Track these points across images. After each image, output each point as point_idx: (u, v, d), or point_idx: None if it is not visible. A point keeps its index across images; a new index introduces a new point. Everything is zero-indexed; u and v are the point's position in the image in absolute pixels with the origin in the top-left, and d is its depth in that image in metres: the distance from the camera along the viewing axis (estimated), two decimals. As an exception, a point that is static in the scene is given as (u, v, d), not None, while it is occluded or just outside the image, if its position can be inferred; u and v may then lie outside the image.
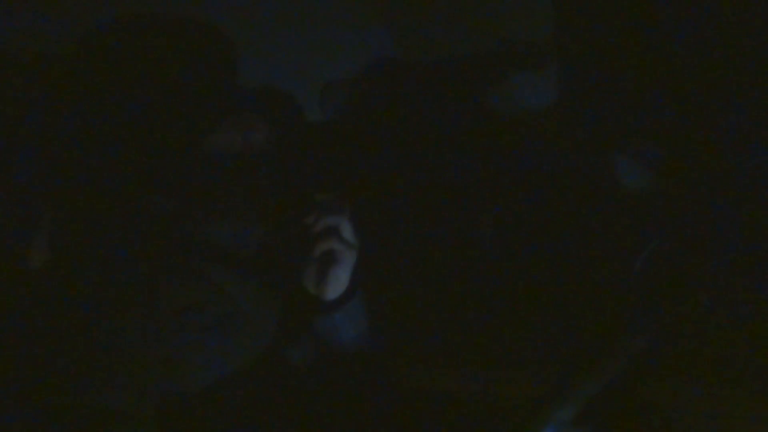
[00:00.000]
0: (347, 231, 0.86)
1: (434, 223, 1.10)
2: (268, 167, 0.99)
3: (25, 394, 0.78)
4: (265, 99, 1.11)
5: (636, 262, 0.95)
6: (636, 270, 0.94)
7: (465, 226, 1.09)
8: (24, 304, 0.84)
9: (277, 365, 0.91)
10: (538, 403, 0.79)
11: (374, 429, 0.88)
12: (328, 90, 1.17)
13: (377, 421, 0.88)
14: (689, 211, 0.97)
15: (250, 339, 0.89)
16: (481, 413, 0.86)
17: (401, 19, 1.07)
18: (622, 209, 1.03)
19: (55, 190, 0.98)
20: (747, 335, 0.87)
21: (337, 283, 0.87)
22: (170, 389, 0.83)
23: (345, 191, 0.90)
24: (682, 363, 0.83)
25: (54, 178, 1.00)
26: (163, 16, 1.04)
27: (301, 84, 1.15)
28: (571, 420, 0.77)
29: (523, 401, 0.82)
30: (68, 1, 0.99)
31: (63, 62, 1.05)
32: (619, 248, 0.99)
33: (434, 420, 0.87)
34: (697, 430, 0.79)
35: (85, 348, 0.80)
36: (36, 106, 1.06)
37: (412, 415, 0.87)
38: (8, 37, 1.04)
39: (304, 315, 0.89)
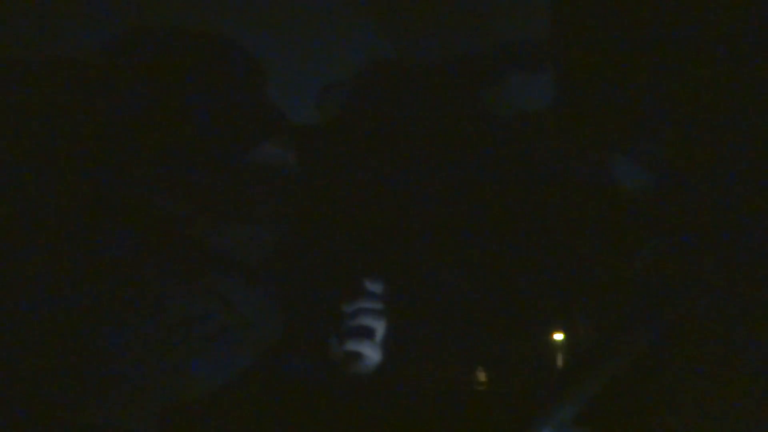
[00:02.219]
0: (381, 333, 0.85)
1: (429, 221, 1.10)
2: (282, 172, 0.98)
3: (22, 408, 0.76)
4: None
5: (636, 262, 0.94)
6: (636, 269, 0.94)
7: (461, 227, 1.09)
8: (23, 311, 0.84)
9: (279, 374, 0.90)
10: (539, 402, 0.78)
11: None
12: (326, 93, 1.17)
13: (377, 428, 0.88)
14: (689, 210, 0.97)
15: (253, 349, 0.88)
16: (481, 413, 0.85)
17: (399, 20, 1.07)
18: (620, 209, 1.03)
19: (58, 191, 0.98)
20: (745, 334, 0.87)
21: (361, 371, 0.86)
22: (173, 400, 0.82)
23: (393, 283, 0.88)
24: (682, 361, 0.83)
25: (58, 179, 0.99)
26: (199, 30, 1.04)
27: (298, 87, 1.16)
28: (571, 420, 0.76)
29: (524, 401, 0.81)
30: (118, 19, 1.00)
31: (101, 69, 1.05)
32: (618, 247, 0.99)
33: (435, 420, 0.86)
34: (697, 430, 0.78)
35: (86, 358, 0.79)
36: (54, 109, 1.05)
37: (412, 416, 0.86)
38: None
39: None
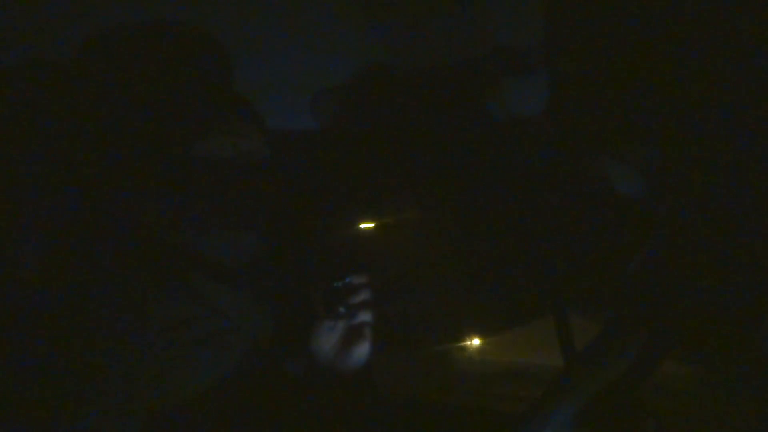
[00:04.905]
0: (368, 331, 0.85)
1: (423, 224, 1.10)
2: (262, 175, 0.98)
3: (8, 413, 0.76)
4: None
5: (630, 264, 0.95)
6: (630, 271, 0.94)
7: (453, 229, 1.09)
8: (11, 316, 0.83)
9: (271, 376, 0.90)
10: (537, 403, 0.78)
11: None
12: (320, 97, 1.17)
13: (374, 428, 0.87)
14: (682, 213, 0.98)
15: (241, 353, 0.88)
16: (480, 415, 0.85)
17: (393, 26, 1.08)
18: (614, 212, 1.03)
19: (47, 198, 0.97)
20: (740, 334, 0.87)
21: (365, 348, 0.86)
22: (159, 405, 0.82)
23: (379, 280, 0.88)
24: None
25: (45, 186, 0.99)
26: (155, 21, 1.03)
27: (293, 91, 1.16)
28: (569, 420, 0.77)
29: (523, 402, 0.81)
30: (61, 8, 0.98)
31: (54, 69, 1.04)
32: (612, 250, 0.99)
33: (435, 422, 0.86)
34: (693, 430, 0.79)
35: (72, 362, 0.78)
36: (28, 114, 1.05)
37: (409, 419, 0.86)
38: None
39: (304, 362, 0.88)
